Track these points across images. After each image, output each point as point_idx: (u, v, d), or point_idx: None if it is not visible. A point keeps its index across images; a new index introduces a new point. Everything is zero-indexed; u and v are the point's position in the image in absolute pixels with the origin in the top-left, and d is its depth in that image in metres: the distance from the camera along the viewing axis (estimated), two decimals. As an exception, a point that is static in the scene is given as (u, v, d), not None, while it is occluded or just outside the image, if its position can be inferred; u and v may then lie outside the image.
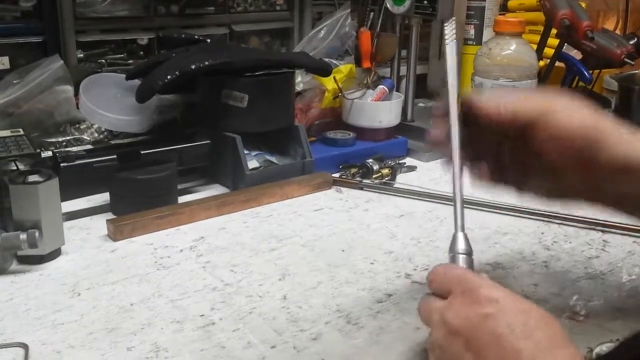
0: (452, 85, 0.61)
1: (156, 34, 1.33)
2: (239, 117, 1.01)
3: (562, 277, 0.77)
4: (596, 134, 0.57)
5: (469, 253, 0.56)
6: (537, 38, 1.30)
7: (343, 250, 0.83)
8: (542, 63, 1.27)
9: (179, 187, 0.97)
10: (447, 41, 0.65)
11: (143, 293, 0.71)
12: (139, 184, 0.90)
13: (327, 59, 1.22)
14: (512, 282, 0.75)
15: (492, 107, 0.60)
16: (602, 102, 1.35)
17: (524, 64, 1.15)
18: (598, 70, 1.41)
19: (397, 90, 1.27)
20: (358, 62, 1.28)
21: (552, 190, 0.64)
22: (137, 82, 1.05)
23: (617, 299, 0.72)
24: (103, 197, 0.95)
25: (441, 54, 1.23)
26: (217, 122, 1.03)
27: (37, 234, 0.73)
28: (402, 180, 1.08)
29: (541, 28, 1.29)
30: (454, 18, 0.69)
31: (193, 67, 0.97)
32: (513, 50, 1.16)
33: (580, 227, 0.91)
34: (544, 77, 1.26)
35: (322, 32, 1.33)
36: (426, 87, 1.52)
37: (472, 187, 0.66)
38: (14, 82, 1.07)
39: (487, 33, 1.33)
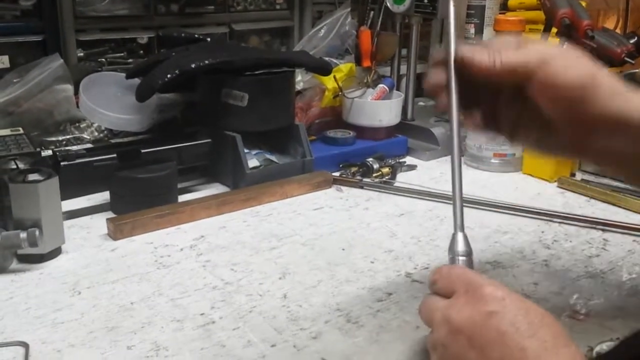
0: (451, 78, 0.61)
1: (156, 33, 1.33)
2: (239, 116, 1.01)
3: (563, 276, 0.77)
4: (592, 87, 0.57)
5: (468, 254, 0.56)
6: (538, 37, 1.30)
7: (343, 249, 0.83)
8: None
9: (179, 186, 0.97)
10: None
11: (143, 292, 0.71)
12: (139, 182, 0.90)
13: (327, 58, 1.22)
14: (512, 281, 0.75)
15: (488, 62, 0.58)
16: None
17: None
18: (598, 69, 1.41)
19: (397, 89, 1.27)
20: (358, 61, 1.28)
21: (542, 139, 0.64)
22: (137, 81, 1.05)
23: (617, 297, 0.72)
24: (103, 196, 0.95)
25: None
26: (217, 121, 1.02)
27: (37, 232, 0.73)
28: (402, 179, 1.08)
29: (541, 27, 1.29)
30: None
31: (193, 66, 0.97)
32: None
33: (580, 226, 0.91)
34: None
35: (322, 31, 1.33)
36: (426, 86, 1.52)
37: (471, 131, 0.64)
38: (14, 81, 1.07)
39: (488, 32, 1.33)
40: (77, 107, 1.07)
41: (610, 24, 1.79)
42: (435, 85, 0.62)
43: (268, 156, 1.05)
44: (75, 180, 0.89)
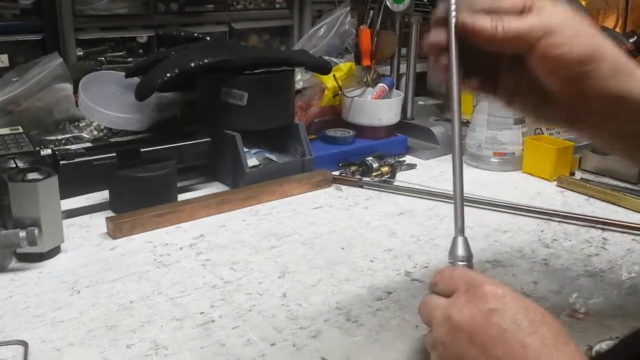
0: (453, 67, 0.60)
1: (156, 32, 1.33)
2: (239, 115, 1.01)
3: (562, 275, 0.77)
4: (593, 63, 0.55)
5: (468, 259, 0.56)
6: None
7: (343, 248, 0.83)
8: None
9: (179, 184, 0.97)
10: None
11: (143, 291, 0.71)
12: (138, 181, 0.90)
13: (326, 57, 1.22)
14: (512, 280, 0.75)
15: (489, 30, 0.56)
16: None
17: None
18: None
19: (397, 88, 1.27)
20: (358, 60, 1.28)
21: (539, 109, 0.63)
22: (136, 79, 1.05)
23: (616, 296, 0.72)
24: (102, 195, 0.95)
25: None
26: (217, 120, 1.02)
27: (36, 231, 0.73)
28: (402, 178, 1.08)
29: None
30: None
31: (192, 64, 0.97)
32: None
33: (579, 225, 0.91)
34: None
35: (322, 30, 1.33)
36: (426, 85, 1.52)
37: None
38: (13, 80, 1.07)
39: None
40: (77, 106, 1.07)
41: (609, 23, 1.79)
42: (434, 44, 0.60)
43: (268, 155, 1.05)
44: (75, 179, 0.89)
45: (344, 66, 1.23)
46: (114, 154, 0.92)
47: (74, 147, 0.98)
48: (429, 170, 1.13)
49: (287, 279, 0.75)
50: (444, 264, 0.58)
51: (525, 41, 0.56)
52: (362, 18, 1.34)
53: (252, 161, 1.02)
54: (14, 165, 0.84)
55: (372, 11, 1.29)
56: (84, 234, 0.85)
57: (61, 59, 1.09)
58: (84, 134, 1.07)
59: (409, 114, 1.28)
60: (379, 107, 1.19)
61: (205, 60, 0.98)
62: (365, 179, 1.06)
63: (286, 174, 1.02)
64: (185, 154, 0.98)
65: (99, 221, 0.87)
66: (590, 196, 1.01)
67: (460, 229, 0.57)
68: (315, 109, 1.20)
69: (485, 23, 0.56)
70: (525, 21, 0.56)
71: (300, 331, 0.64)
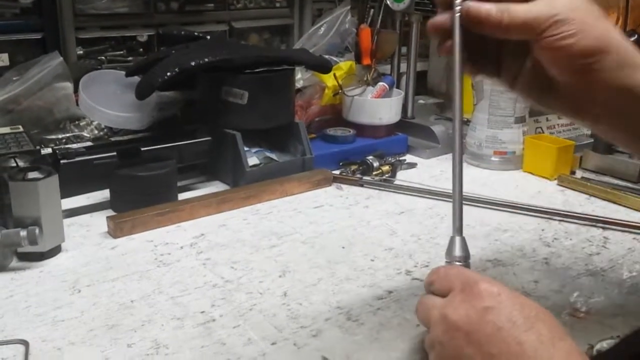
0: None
1: (156, 31, 1.33)
2: (239, 114, 1.01)
3: (563, 274, 0.77)
4: (600, 57, 0.54)
5: (465, 259, 0.56)
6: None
7: (343, 247, 0.83)
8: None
9: (179, 184, 0.97)
10: None
11: (143, 290, 0.71)
12: (139, 181, 0.90)
13: (327, 56, 1.22)
14: (513, 279, 0.75)
15: (494, 18, 0.55)
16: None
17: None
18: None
19: (397, 87, 1.27)
20: (358, 59, 1.28)
21: (542, 96, 0.62)
22: (136, 79, 1.05)
23: (617, 295, 0.72)
24: (103, 194, 0.95)
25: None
26: (217, 119, 1.02)
27: (37, 231, 0.73)
28: (403, 177, 1.08)
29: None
30: None
31: (193, 63, 0.97)
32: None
33: (580, 224, 0.91)
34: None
35: (322, 29, 1.33)
36: (426, 84, 1.52)
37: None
38: (14, 79, 1.07)
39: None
40: (77, 105, 1.07)
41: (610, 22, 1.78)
42: (438, 26, 0.59)
43: (268, 154, 1.05)
44: (75, 179, 0.89)
45: (344, 65, 1.23)
46: (115, 153, 0.92)
47: (74, 146, 0.98)
48: (430, 169, 1.13)
49: (288, 278, 0.75)
50: (443, 264, 0.58)
51: (531, 30, 0.55)
52: (362, 17, 1.34)
53: (252, 160, 1.02)
54: (14, 165, 0.84)
55: (372, 10, 1.29)
56: (84, 233, 0.85)
57: (61, 58, 1.09)
58: (85, 133, 1.07)
59: (409, 113, 1.28)
60: (379, 106, 1.19)
61: (206, 59, 0.98)
62: (366, 178, 1.06)
63: (286, 173, 1.02)
64: (185, 153, 0.98)
65: (99, 220, 0.87)
66: (591, 195, 1.01)
67: (458, 229, 0.57)
68: (316, 108, 1.20)
69: (491, 9, 0.55)
70: (532, 9, 0.55)
71: (301, 330, 0.64)
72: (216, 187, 1.02)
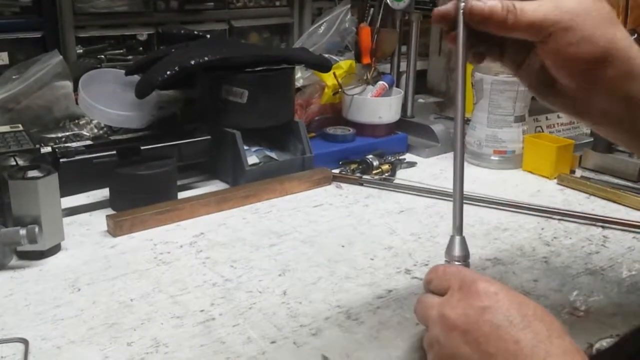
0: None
1: (156, 30, 1.34)
2: (239, 113, 1.01)
3: (562, 272, 0.77)
4: (605, 63, 0.54)
5: (465, 258, 0.56)
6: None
7: (343, 246, 0.83)
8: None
9: (179, 182, 0.96)
10: None
11: (143, 288, 0.71)
12: (138, 179, 0.90)
13: (327, 55, 1.23)
14: (512, 278, 0.75)
15: (500, 17, 0.54)
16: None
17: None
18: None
19: (397, 86, 1.27)
20: (358, 58, 1.28)
21: (545, 94, 0.61)
22: (136, 77, 1.05)
23: (617, 294, 0.72)
24: (103, 193, 0.95)
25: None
26: (217, 118, 1.02)
27: (36, 229, 0.73)
28: (402, 176, 1.08)
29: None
30: None
31: (192, 62, 0.97)
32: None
33: (580, 223, 0.91)
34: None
35: (322, 27, 1.33)
36: (426, 83, 1.52)
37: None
38: (13, 77, 1.07)
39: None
40: (77, 103, 1.07)
41: (610, 21, 1.78)
42: (442, 15, 0.58)
43: (268, 153, 1.05)
44: (75, 177, 0.89)
45: (344, 64, 1.23)
46: (114, 152, 0.92)
47: (74, 144, 0.98)
48: (429, 168, 1.13)
49: (288, 276, 0.75)
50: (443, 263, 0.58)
51: (537, 32, 0.54)
52: (362, 16, 1.34)
53: (252, 159, 1.02)
54: (14, 163, 0.84)
55: (372, 9, 1.29)
56: (84, 231, 0.85)
57: (61, 57, 1.09)
58: (84, 132, 1.07)
59: (409, 112, 1.28)
60: (379, 105, 1.19)
61: (206, 58, 0.98)
62: (366, 177, 1.06)
63: (286, 172, 1.02)
64: (185, 152, 0.98)
65: (99, 219, 0.87)
66: (590, 194, 1.01)
67: (457, 228, 0.57)
68: (316, 106, 1.20)
69: (496, 8, 0.54)
70: (540, 9, 0.53)
71: (301, 329, 0.64)
72: (216, 186, 1.02)
